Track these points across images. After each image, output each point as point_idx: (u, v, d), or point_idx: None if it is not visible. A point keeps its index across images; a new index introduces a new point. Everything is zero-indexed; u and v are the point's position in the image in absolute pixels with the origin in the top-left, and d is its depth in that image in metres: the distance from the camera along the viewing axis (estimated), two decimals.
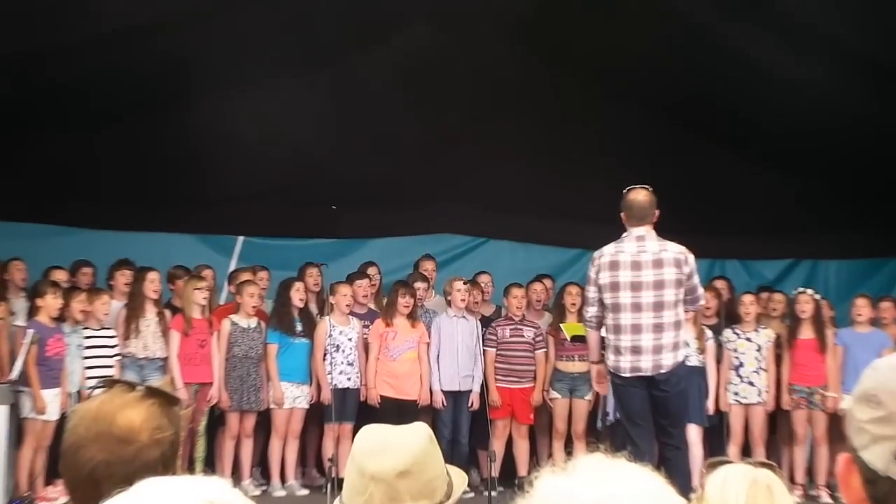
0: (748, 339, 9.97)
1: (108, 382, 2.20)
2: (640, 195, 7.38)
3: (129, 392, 2.15)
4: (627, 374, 7.31)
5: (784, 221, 11.64)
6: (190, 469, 9.24)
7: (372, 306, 10.30)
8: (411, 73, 10.28)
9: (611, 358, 7.40)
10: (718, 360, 9.94)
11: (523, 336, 10.07)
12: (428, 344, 9.85)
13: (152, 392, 2.16)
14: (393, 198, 11.40)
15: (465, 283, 10.01)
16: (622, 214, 7.41)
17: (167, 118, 10.81)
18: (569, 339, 9.39)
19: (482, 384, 9.89)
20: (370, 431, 2.52)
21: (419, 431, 2.50)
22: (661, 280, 7.27)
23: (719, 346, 9.96)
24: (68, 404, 8.68)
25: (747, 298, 10.13)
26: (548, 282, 10.82)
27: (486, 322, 10.28)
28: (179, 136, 10.80)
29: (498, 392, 9.97)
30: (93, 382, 8.75)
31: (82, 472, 2.06)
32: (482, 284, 10.56)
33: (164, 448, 2.09)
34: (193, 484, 1.46)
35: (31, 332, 8.55)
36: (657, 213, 7.39)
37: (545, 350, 10.10)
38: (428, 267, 10.79)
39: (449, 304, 10.01)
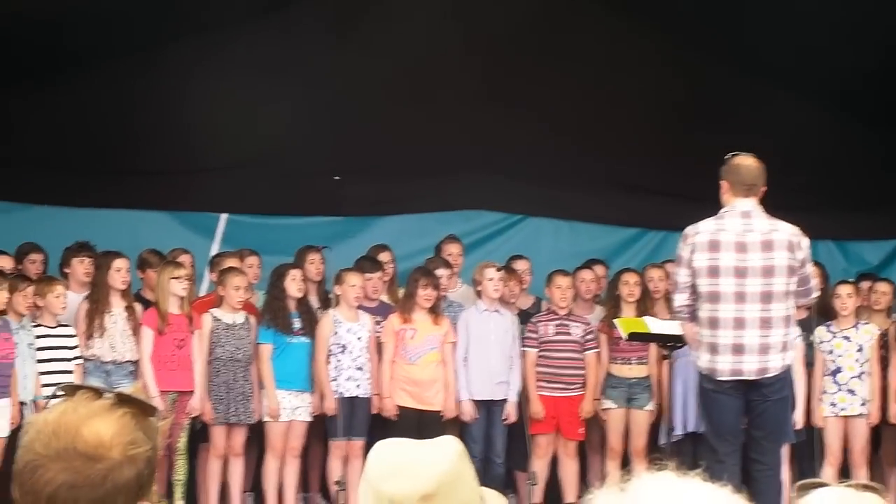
0: (846, 338, 9.94)
1: (70, 388, 2.20)
2: (748, 160, 7.38)
3: (96, 400, 2.15)
4: (726, 378, 7.30)
5: (890, 193, 11.58)
6: (168, 495, 9.32)
7: (385, 299, 10.31)
8: (434, 13, 10.29)
9: (704, 358, 7.38)
10: (809, 364, 9.92)
11: (570, 334, 10.07)
12: (454, 344, 9.87)
13: (124, 400, 2.15)
14: (409, 166, 11.41)
15: (498, 270, 10.01)
16: (723, 183, 7.38)
17: (134, 70, 10.85)
18: (625, 337, 9.38)
19: (520, 392, 9.90)
20: (388, 447, 2.53)
21: (447, 447, 2.51)
22: (771, 266, 7.26)
23: (810, 347, 9.94)
24: (20, 417, 8.73)
25: (844, 289, 10.09)
26: (599, 268, 10.80)
27: (524, 317, 10.28)
28: (149, 93, 10.84)
29: (540, 402, 9.99)
30: (50, 390, 8.79)
31: (41, 496, 2.07)
32: (519, 272, 10.56)
33: (139, 467, 2.10)
34: None
35: None
36: (764, 188, 7.39)
37: (597, 351, 10.11)
38: (453, 251, 10.78)
39: (479, 295, 10.01)
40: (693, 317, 7.47)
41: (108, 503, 2.07)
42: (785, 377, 7.41)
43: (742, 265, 7.25)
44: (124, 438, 2.10)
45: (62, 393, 2.20)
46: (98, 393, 2.17)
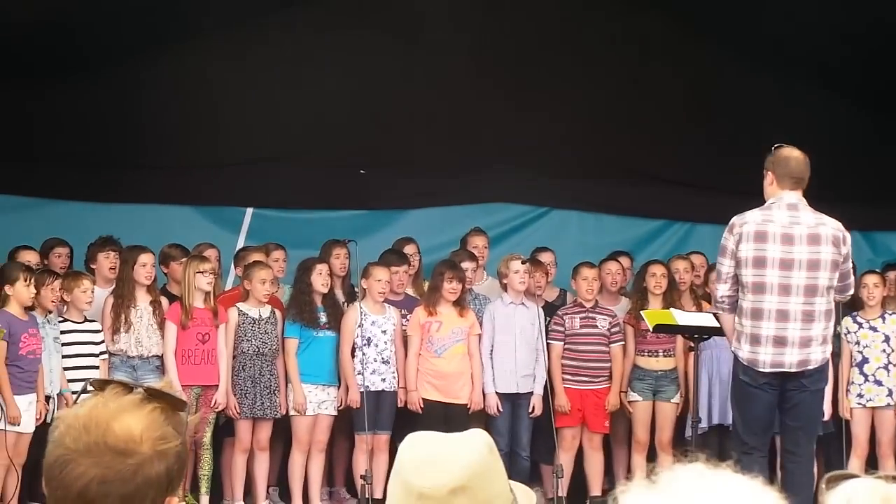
0: (873, 329, 9.91)
1: (100, 383, 2.20)
2: (796, 152, 7.36)
3: (126, 395, 2.15)
4: (766, 370, 7.30)
5: None
6: (194, 489, 9.35)
7: (410, 292, 10.31)
8: (459, 4, 10.27)
9: (744, 349, 7.37)
10: (836, 355, 9.87)
11: (596, 326, 10.05)
12: (479, 336, 9.86)
13: (154, 394, 2.16)
14: (434, 160, 11.40)
15: (524, 263, 10.00)
16: (768, 174, 7.37)
17: (160, 66, 10.86)
18: (651, 329, 9.37)
19: (546, 385, 9.89)
20: (418, 440, 2.53)
21: (477, 439, 2.51)
22: (817, 259, 7.26)
23: (836, 338, 9.88)
24: (46, 412, 8.76)
25: (871, 279, 10.07)
26: (625, 260, 10.79)
27: (549, 310, 10.27)
28: (175, 88, 10.85)
29: (566, 395, 9.98)
30: (77, 385, 8.82)
31: (71, 491, 2.07)
32: (545, 264, 10.54)
33: (169, 462, 2.10)
34: None
35: None
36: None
37: (622, 343, 10.09)
38: (478, 243, 10.77)
39: (504, 287, 10.01)
40: (734, 308, 7.46)
41: (139, 498, 2.07)
42: (823, 368, 7.43)
43: (788, 257, 7.25)
44: (154, 433, 2.10)
45: (92, 388, 2.20)
46: (128, 388, 2.17)
